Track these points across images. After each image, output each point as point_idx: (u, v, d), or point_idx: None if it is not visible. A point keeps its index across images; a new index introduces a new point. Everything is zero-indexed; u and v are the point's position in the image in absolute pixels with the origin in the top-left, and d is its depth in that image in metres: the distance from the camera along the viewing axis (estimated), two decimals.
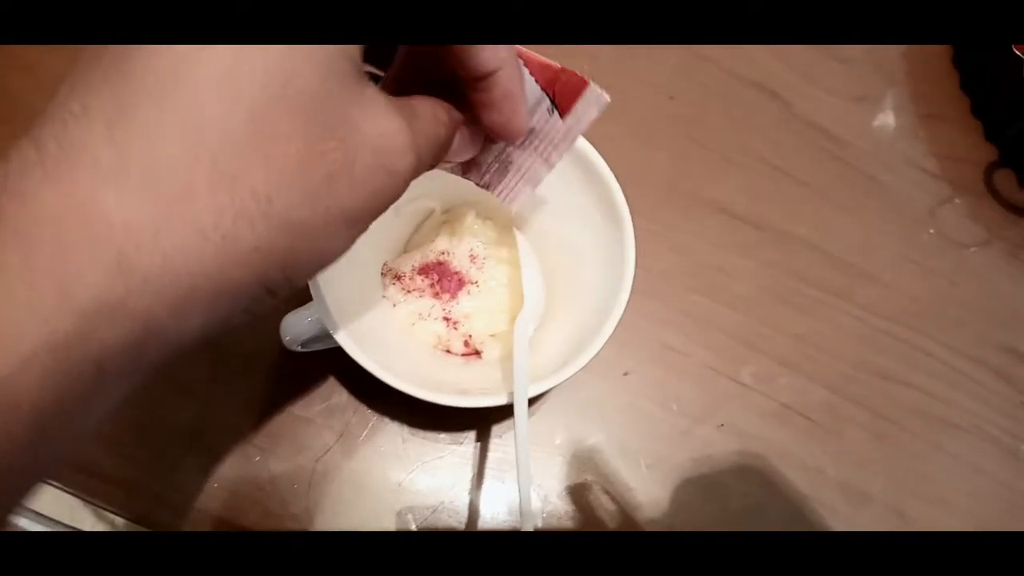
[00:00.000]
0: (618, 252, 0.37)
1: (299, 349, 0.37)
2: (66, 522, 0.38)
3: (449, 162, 0.28)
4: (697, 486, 0.43)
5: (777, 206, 0.52)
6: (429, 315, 0.40)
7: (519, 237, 0.40)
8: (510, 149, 0.29)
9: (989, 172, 0.57)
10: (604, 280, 0.38)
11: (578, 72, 0.27)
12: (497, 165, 0.30)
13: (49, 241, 0.16)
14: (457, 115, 0.25)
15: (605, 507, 0.42)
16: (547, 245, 0.41)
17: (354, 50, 0.20)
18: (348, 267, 0.38)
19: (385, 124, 0.20)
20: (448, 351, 0.41)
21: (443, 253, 0.42)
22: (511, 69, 0.24)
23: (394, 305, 0.41)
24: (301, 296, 0.34)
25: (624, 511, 0.42)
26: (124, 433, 0.39)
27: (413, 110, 0.23)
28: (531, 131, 0.28)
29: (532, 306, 0.38)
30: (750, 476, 0.44)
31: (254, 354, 0.41)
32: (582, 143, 0.38)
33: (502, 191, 0.30)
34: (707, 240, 0.50)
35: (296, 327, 0.35)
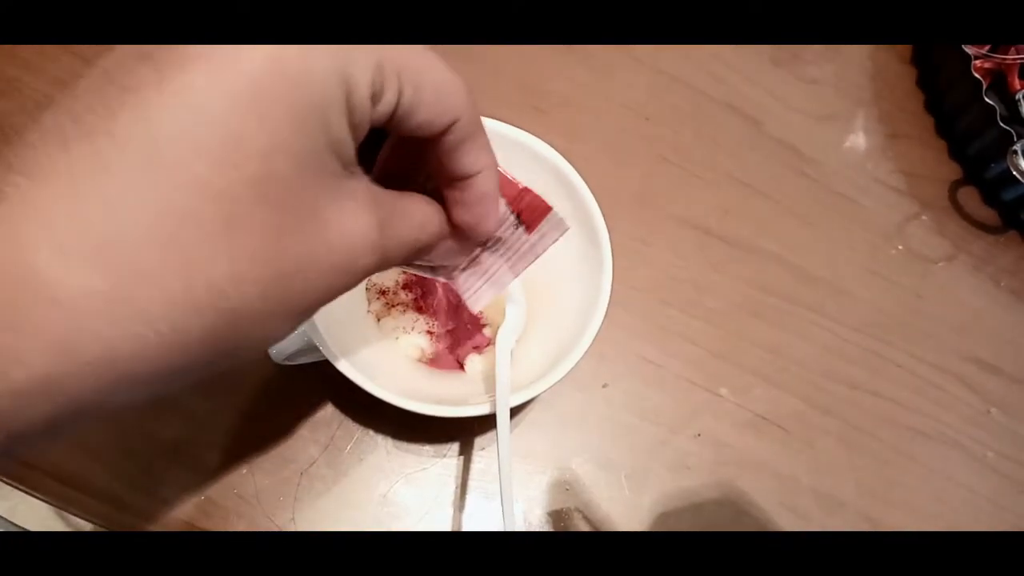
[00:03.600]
0: (596, 267, 0.39)
1: (285, 362, 0.38)
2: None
3: (430, 263, 0.28)
4: (674, 495, 0.44)
5: (748, 222, 0.53)
6: (413, 329, 0.41)
7: None
8: (480, 252, 0.29)
9: (954, 189, 0.59)
10: (582, 294, 0.39)
11: (541, 196, 0.27)
12: (467, 266, 0.30)
13: None
14: (448, 227, 0.25)
15: (585, 516, 0.43)
16: None
17: (343, 139, 0.18)
18: None
19: (353, 223, 0.20)
20: (432, 364, 0.42)
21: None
22: (491, 172, 0.24)
23: (378, 319, 0.41)
24: None
25: (604, 521, 0.43)
26: (109, 447, 0.40)
27: (397, 209, 0.22)
28: (498, 239, 0.28)
29: (513, 319, 0.39)
30: (726, 484, 0.45)
31: (240, 368, 0.42)
32: (561, 162, 0.39)
33: (468, 292, 0.31)
34: (680, 255, 0.51)
35: (282, 340, 0.36)
